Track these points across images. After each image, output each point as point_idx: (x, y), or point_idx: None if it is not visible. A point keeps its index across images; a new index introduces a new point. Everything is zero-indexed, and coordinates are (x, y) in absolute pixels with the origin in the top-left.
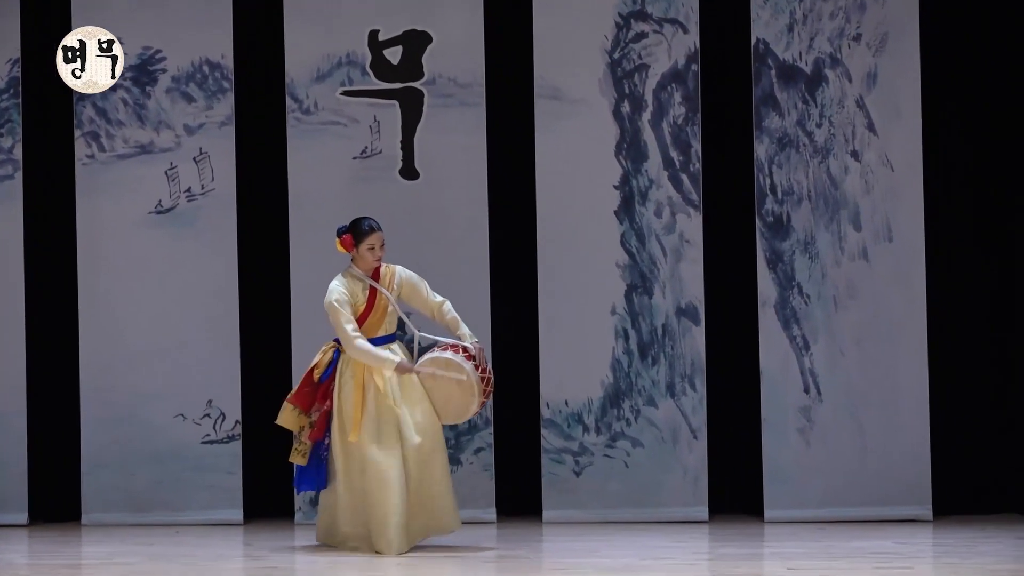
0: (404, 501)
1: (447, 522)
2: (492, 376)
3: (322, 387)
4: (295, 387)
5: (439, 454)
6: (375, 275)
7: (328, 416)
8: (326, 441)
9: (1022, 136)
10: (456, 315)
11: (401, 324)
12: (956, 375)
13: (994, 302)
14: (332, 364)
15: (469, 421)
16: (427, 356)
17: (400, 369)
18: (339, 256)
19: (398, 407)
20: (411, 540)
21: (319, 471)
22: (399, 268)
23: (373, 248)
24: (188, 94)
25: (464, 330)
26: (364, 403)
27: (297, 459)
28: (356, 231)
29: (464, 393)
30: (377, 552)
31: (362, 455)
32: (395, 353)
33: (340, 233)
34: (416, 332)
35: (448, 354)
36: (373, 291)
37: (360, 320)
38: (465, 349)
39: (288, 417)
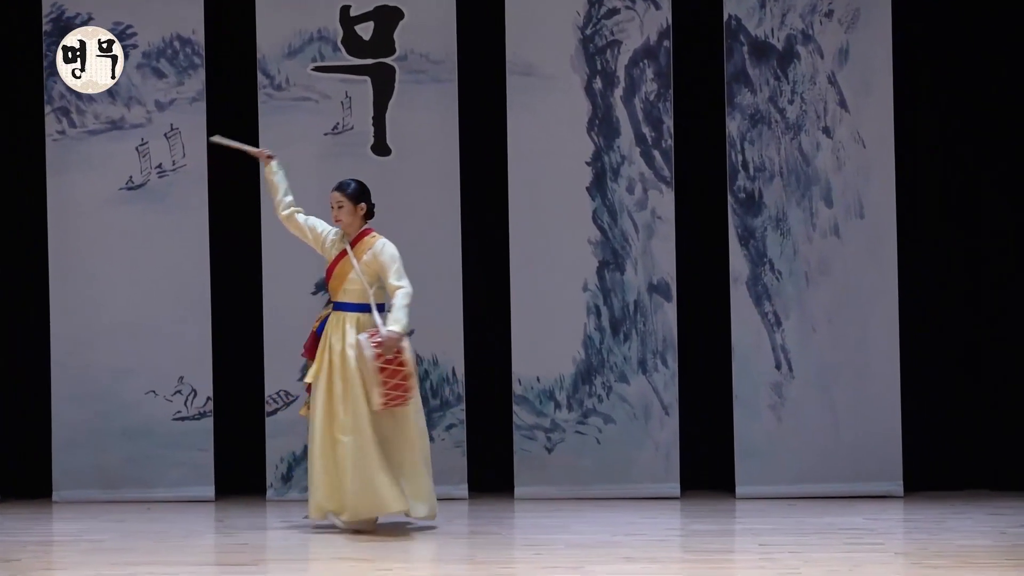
0: (324, 468)
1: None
2: (410, 368)
3: (319, 339)
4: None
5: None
6: (356, 239)
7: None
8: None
9: (992, 113)
10: (400, 303)
11: (379, 305)
12: (927, 351)
13: (965, 279)
14: (326, 319)
15: (441, 398)
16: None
17: (260, 155)
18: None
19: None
20: (346, 513)
21: None
22: (381, 243)
23: (331, 206)
24: (159, 70)
25: (392, 316)
26: (326, 359)
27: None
28: None
29: (370, 379)
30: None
31: (317, 419)
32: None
33: None
34: (374, 310)
35: (362, 336)
36: (343, 253)
37: (325, 275)
38: (379, 336)
39: (310, 371)
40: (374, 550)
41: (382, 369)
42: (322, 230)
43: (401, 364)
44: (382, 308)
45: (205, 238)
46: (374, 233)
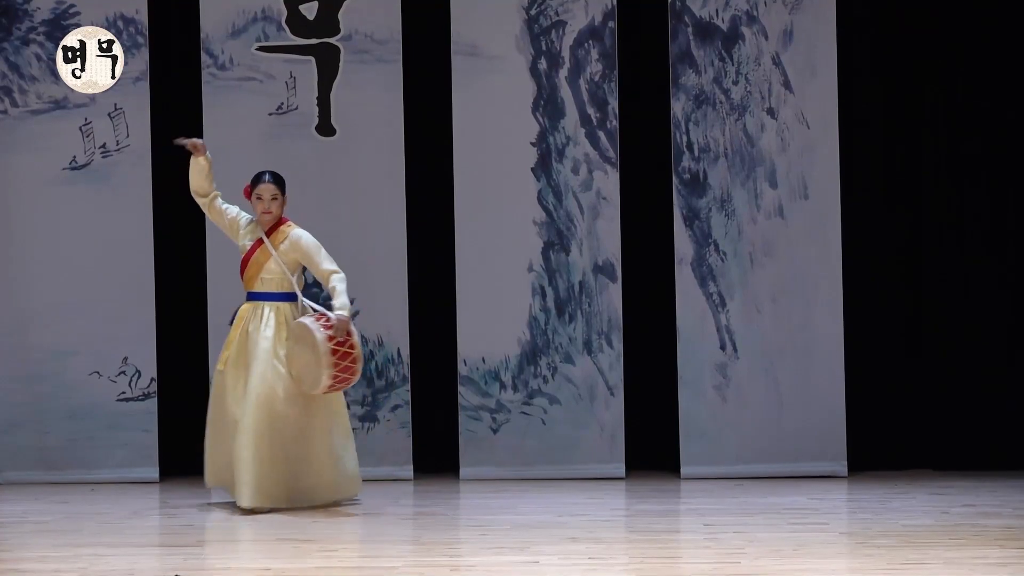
0: (258, 456)
1: (343, 489)
2: (359, 351)
3: None
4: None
5: (317, 420)
6: (271, 229)
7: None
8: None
9: (935, 94)
10: (341, 287)
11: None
12: (871, 332)
13: (908, 259)
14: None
15: (386, 379)
16: (295, 320)
17: (191, 147)
18: (253, 213)
19: (269, 359)
20: (274, 500)
21: None
22: (299, 231)
23: (261, 198)
24: None
25: (337, 301)
26: (236, 340)
27: None
28: (253, 181)
29: (317, 363)
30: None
31: (223, 394)
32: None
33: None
34: (299, 296)
35: (308, 319)
36: (259, 242)
37: (241, 266)
38: (327, 319)
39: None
40: (318, 531)
41: (334, 351)
42: (235, 215)
43: (351, 347)
44: (284, 298)
45: (149, 218)
46: (289, 223)
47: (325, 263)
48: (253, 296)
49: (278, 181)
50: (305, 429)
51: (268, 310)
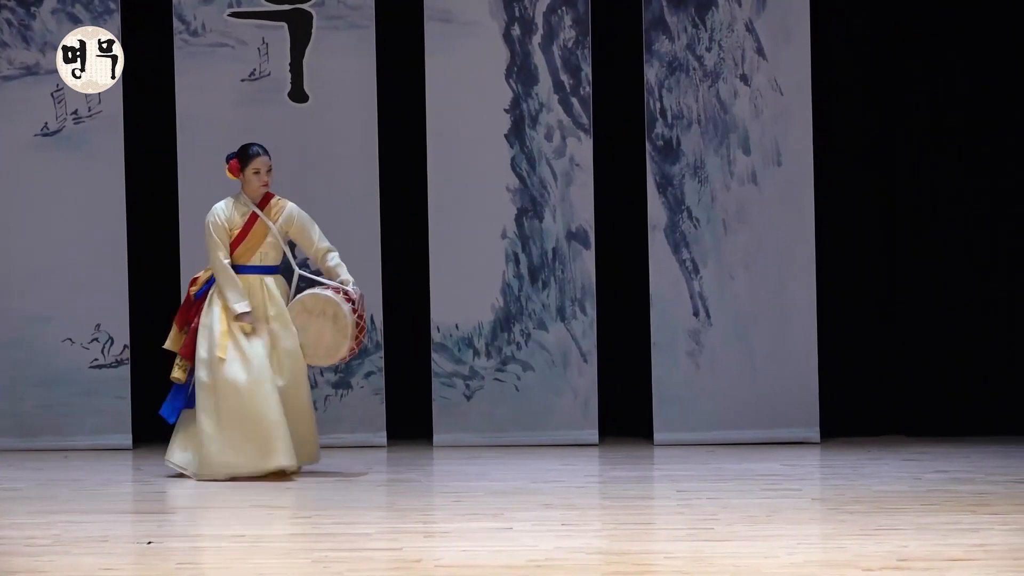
0: (283, 415)
1: (309, 452)
2: (367, 327)
3: (197, 303)
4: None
5: (303, 390)
6: (262, 203)
7: (196, 333)
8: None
9: (910, 60)
10: (341, 263)
11: (285, 260)
12: (844, 299)
13: (882, 225)
14: (210, 283)
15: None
16: (308, 291)
17: (238, 319)
18: (226, 180)
19: (270, 324)
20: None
21: (188, 390)
22: (292, 205)
23: (259, 172)
24: (74, 15)
25: (346, 276)
26: (230, 322)
27: (177, 373)
28: (243, 155)
29: (338, 333)
30: (267, 472)
31: (234, 375)
32: (245, 304)
33: (228, 159)
34: (296, 268)
35: (328, 292)
36: (253, 218)
37: (234, 244)
38: (346, 292)
39: (172, 338)
40: (292, 498)
41: (357, 324)
42: (221, 223)
43: (361, 317)
44: (275, 270)
45: (121, 185)
46: (277, 196)
47: (321, 240)
48: (250, 270)
49: (268, 153)
50: (298, 387)
51: (271, 285)
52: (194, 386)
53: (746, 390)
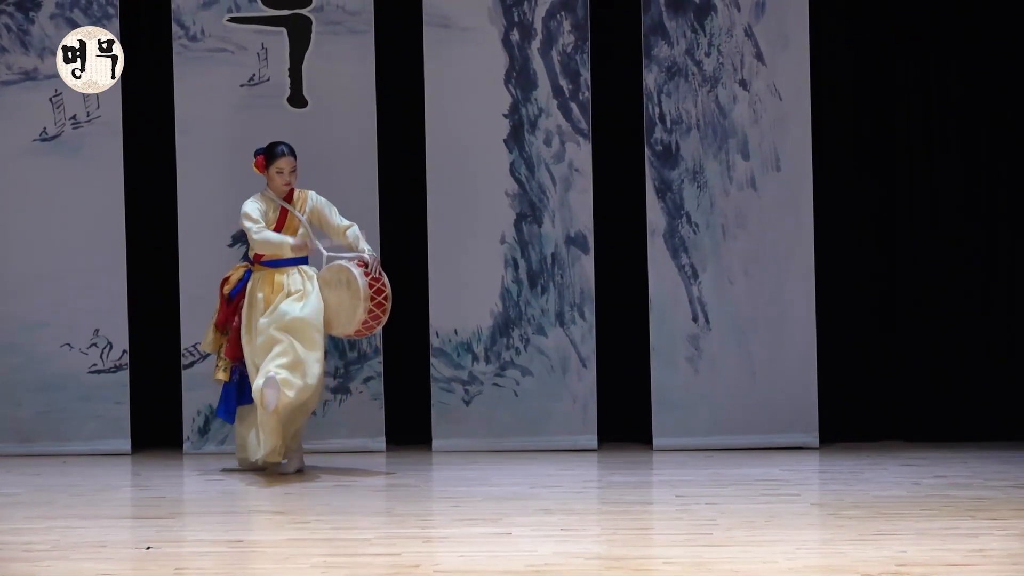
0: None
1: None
2: (389, 290)
3: (233, 303)
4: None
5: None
6: (287, 198)
7: (238, 333)
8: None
9: (908, 65)
10: (359, 235)
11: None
12: (843, 304)
13: (880, 230)
14: (242, 282)
15: (358, 351)
16: (326, 266)
17: (296, 248)
18: (226, 186)
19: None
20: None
21: (239, 388)
22: (312, 193)
23: (281, 172)
24: (73, 20)
25: (362, 245)
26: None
27: (220, 375)
28: (268, 153)
29: (352, 297)
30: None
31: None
32: (291, 239)
33: (256, 154)
34: (324, 251)
35: (342, 261)
36: (284, 212)
37: None
38: (362, 260)
39: (211, 340)
40: (291, 503)
41: (371, 286)
42: (259, 216)
43: (384, 284)
44: (305, 261)
45: (120, 190)
46: (297, 189)
47: (339, 218)
48: (286, 263)
49: (294, 153)
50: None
51: (296, 273)
52: (239, 384)
53: (745, 395)
